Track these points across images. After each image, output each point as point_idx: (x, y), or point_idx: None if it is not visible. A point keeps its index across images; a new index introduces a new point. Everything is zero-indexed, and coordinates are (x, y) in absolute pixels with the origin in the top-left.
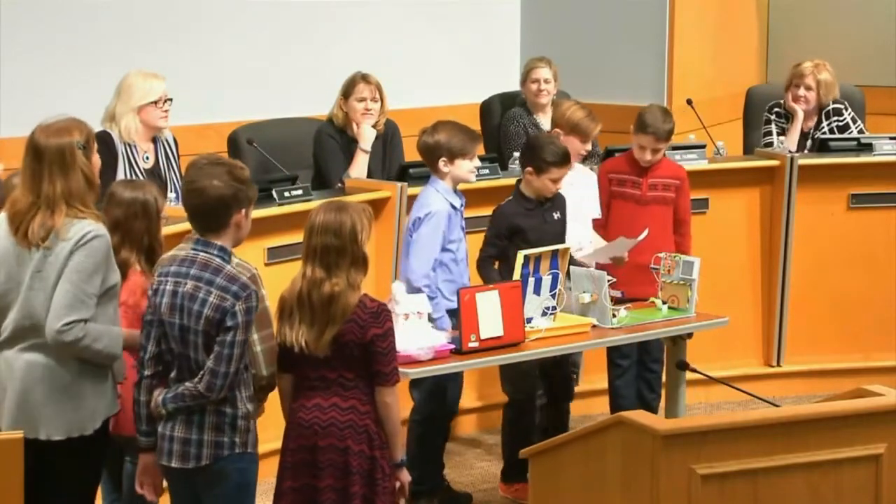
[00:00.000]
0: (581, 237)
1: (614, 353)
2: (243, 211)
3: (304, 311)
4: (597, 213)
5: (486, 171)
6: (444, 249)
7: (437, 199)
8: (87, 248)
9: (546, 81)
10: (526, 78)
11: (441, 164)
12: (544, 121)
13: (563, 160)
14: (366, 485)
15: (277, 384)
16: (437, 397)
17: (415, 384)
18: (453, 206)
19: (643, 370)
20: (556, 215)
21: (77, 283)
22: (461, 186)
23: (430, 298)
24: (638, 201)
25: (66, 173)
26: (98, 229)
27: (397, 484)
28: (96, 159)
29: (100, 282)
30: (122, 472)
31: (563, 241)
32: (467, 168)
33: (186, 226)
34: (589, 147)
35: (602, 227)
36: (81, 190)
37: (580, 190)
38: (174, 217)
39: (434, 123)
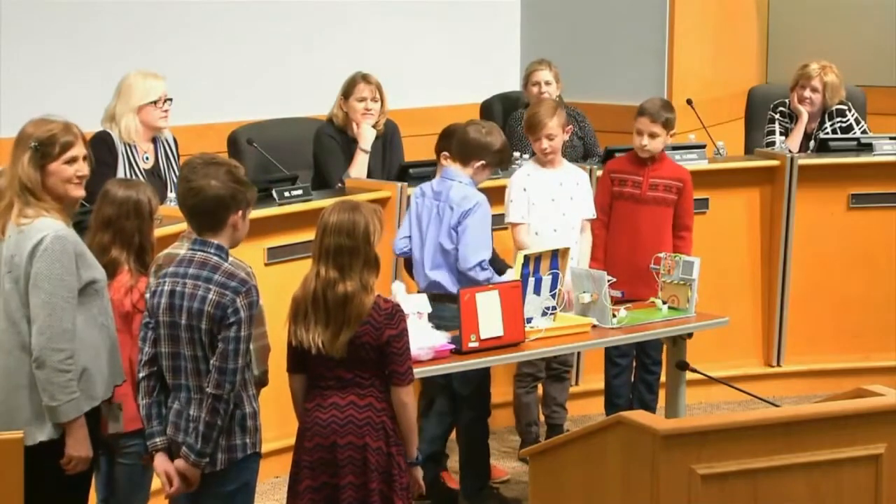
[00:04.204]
0: (571, 240)
1: (613, 351)
2: (240, 212)
3: (318, 312)
4: (590, 213)
5: None
6: None
7: (474, 191)
8: (49, 255)
9: (547, 84)
10: (527, 81)
11: (478, 165)
12: None
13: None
14: (383, 481)
15: (290, 385)
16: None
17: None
18: None
19: (643, 372)
20: None
21: (50, 291)
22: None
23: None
24: (637, 200)
25: (14, 163)
26: (56, 230)
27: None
28: (60, 168)
29: (74, 281)
30: (114, 472)
31: None
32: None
33: (183, 226)
34: (545, 145)
35: (604, 227)
36: (26, 184)
37: (569, 189)
38: (170, 217)
39: (486, 124)
